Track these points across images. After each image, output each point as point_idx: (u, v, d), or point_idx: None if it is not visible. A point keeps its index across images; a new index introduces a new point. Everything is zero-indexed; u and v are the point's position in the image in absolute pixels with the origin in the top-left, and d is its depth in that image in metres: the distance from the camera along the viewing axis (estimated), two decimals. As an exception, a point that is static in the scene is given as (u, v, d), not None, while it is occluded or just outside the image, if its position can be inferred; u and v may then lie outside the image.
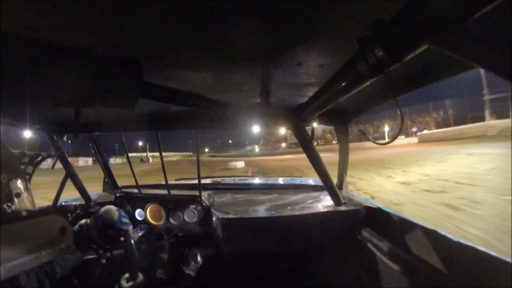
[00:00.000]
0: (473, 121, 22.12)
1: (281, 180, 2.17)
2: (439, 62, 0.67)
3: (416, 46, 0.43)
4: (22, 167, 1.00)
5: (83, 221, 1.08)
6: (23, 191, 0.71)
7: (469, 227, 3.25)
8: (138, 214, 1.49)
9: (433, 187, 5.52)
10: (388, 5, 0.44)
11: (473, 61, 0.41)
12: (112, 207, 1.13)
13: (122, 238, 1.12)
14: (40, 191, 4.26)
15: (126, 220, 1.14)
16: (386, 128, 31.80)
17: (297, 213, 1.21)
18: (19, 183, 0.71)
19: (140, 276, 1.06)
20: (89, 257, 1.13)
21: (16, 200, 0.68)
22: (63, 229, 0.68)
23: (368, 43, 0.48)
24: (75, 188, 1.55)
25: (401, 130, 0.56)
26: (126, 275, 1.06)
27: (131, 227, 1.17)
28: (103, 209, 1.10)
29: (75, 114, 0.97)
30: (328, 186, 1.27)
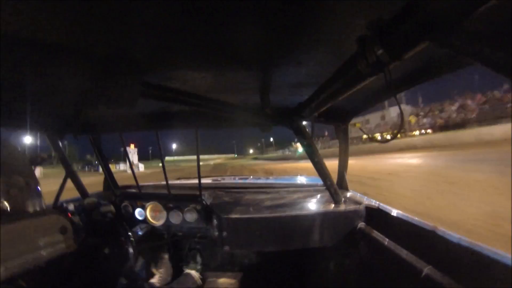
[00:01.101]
0: None
1: (281, 180, 2.17)
2: (438, 59, 0.68)
3: (416, 45, 0.43)
4: None
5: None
6: (33, 191, 0.71)
7: None
8: (139, 213, 1.49)
9: None
10: (388, 4, 0.44)
11: (473, 60, 0.41)
12: (91, 198, 1.22)
13: (109, 214, 1.20)
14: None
15: (106, 202, 1.24)
16: None
17: (298, 212, 1.21)
18: (31, 183, 0.70)
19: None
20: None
21: (27, 200, 0.68)
22: (64, 229, 0.68)
23: (368, 42, 0.48)
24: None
25: (401, 128, 0.56)
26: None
27: (112, 207, 1.25)
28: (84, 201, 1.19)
29: (75, 115, 0.97)
30: (328, 185, 1.27)
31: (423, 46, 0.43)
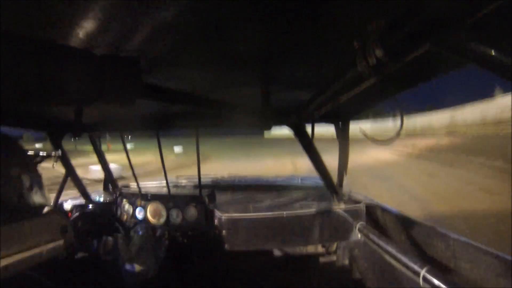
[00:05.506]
0: None
1: (281, 179, 2.18)
2: (438, 59, 0.67)
3: (416, 47, 0.43)
4: None
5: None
6: (34, 185, 0.70)
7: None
8: (139, 212, 1.49)
9: None
10: (389, 5, 0.44)
11: (474, 61, 0.41)
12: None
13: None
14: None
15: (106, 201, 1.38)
16: None
17: (297, 211, 1.21)
18: (30, 178, 0.69)
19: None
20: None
21: (26, 195, 0.67)
22: (64, 229, 0.68)
23: (368, 43, 0.48)
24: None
25: (401, 129, 0.56)
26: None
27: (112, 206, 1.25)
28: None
29: (76, 114, 0.97)
30: (328, 184, 1.27)
31: (424, 49, 0.42)
